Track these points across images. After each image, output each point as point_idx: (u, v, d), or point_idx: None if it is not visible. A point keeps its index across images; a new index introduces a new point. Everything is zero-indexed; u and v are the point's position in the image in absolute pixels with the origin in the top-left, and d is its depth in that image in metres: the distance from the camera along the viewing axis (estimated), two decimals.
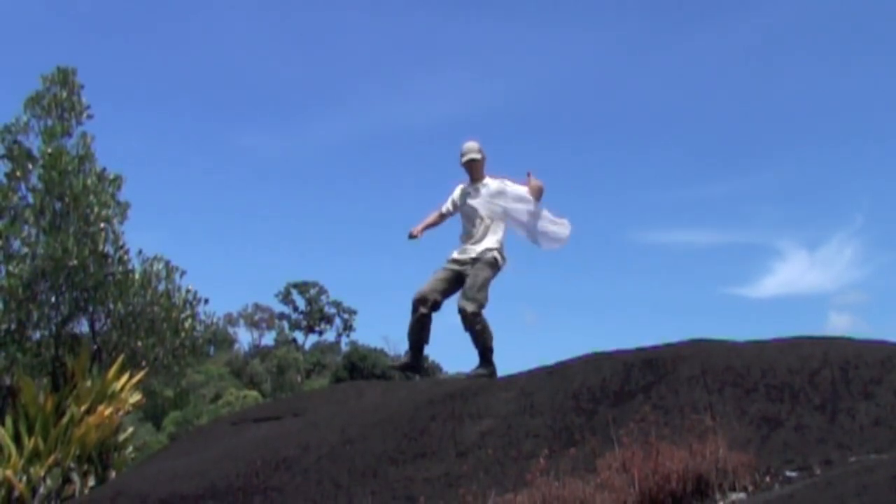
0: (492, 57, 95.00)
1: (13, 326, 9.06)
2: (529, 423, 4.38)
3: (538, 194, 6.14)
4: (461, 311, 5.78)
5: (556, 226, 6.20)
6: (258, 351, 51.22)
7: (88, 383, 8.56)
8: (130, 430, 9.78)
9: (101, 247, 9.39)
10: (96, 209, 9.40)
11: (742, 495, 3.33)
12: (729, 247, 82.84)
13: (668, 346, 4.84)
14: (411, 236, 6.32)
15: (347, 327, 55.60)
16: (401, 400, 5.04)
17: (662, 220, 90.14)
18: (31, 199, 9.52)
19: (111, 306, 9.56)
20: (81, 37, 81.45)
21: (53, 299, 9.35)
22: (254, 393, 38.26)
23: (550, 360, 5.06)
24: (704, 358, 4.46)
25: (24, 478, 7.67)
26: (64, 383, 8.94)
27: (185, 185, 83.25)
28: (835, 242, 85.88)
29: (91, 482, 8.05)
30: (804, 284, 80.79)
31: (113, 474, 8.11)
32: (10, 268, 9.01)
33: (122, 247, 9.73)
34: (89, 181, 9.50)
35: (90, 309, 9.53)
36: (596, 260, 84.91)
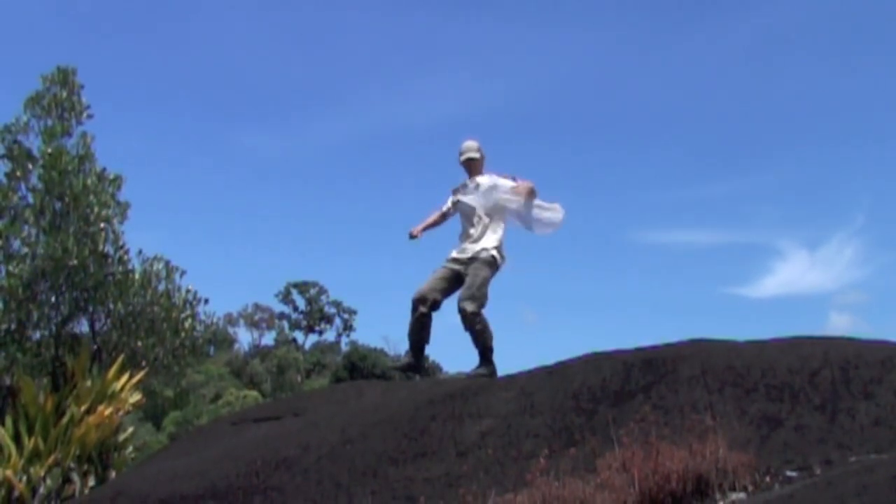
0: (492, 57, 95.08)
1: (13, 326, 9.06)
2: (529, 423, 4.37)
3: (531, 196, 6.09)
4: (461, 311, 5.77)
5: (548, 211, 6.17)
6: (258, 351, 51.23)
7: (88, 383, 8.56)
8: (130, 430, 9.77)
9: (101, 247, 9.39)
10: (96, 209, 9.39)
11: (742, 495, 3.33)
12: (729, 247, 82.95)
13: (668, 346, 4.83)
14: (411, 236, 6.34)
15: (347, 327, 55.66)
16: (401, 400, 5.04)
17: (662, 220, 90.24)
18: (31, 199, 9.51)
19: (111, 306, 9.56)
20: (81, 37, 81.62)
21: (53, 299, 9.35)
22: (254, 393, 38.28)
23: (550, 360, 5.07)
24: (704, 358, 4.45)
25: (24, 478, 7.67)
26: (64, 383, 8.94)
27: (185, 185, 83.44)
28: (835, 242, 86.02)
29: (91, 482, 8.05)
30: (804, 284, 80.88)
31: (113, 474, 8.11)
32: (10, 268, 9.01)
33: (122, 247, 9.72)
34: (89, 181, 9.50)
35: (90, 309, 9.52)
36: (596, 260, 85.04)
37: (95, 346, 9.47)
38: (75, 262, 9.05)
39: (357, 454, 4.43)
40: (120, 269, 9.61)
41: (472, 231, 6.09)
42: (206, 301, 10.30)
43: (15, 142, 9.72)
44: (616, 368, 4.56)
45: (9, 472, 7.55)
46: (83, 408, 8.26)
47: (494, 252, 5.99)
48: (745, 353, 4.45)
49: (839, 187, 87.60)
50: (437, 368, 42.64)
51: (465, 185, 6.29)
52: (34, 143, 9.81)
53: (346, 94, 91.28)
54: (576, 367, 4.74)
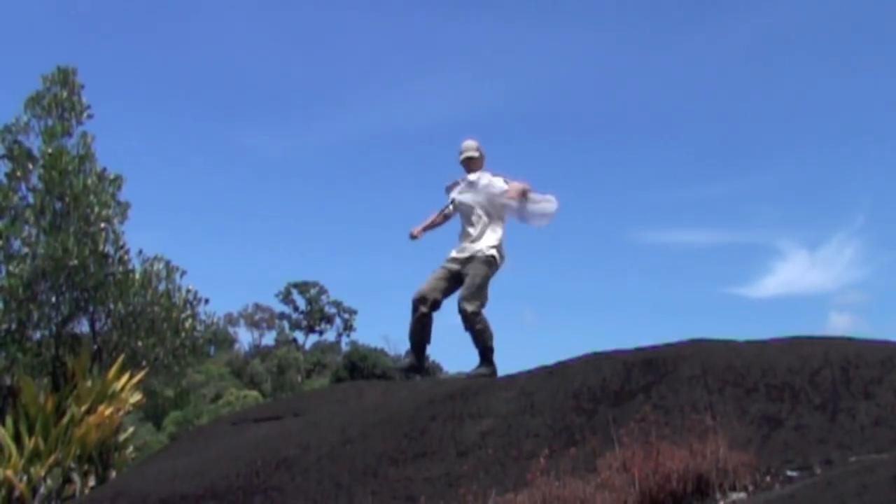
0: (492, 57, 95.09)
1: (13, 326, 9.06)
2: (530, 423, 4.37)
3: (523, 197, 6.05)
4: (461, 311, 5.78)
5: (542, 203, 6.15)
6: (258, 351, 51.26)
7: (89, 383, 8.56)
8: (131, 429, 9.78)
9: (101, 247, 9.39)
10: (96, 209, 9.40)
11: (742, 495, 3.32)
12: (729, 247, 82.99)
13: (668, 346, 4.83)
14: (412, 237, 6.34)
15: (348, 327, 55.68)
16: (401, 400, 5.04)
17: (662, 220, 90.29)
18: (31, 199, 9.52)
19: (111, 306, 9.56)
20: (81, 37, 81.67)
21: (54, 299, 9.35)
22: (254, 393, 38.29)
23: (550, 359, 5.06)
24: (705, 358, 4.45)
25: (25, 478, 7.68)
26: (64, 383, 8.94)
27: (185, 185, 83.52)
28: (835, 242, 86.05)
29: (91, 482, 8.06)
30: (804, 284, 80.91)
31: (113, 474, 8.12)
32: (11, 268, 9.01)
33: (122, 247, 9.73)
34: (89, 181, 9.50)
35: (90, 309, 9.53)
36: (596, 260, 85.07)
37: (96, 346, 9.47)
38: (76, 262, 9.05)
39: (357, 454, 4.43)
40: (120, 269, 9.61)
41: (471, 230, 6.08)
42: (207, 301, 10.32)
43: (15, 142, 9.73)
44: (616, 368, 4.55)
45: (9, 472, 7.55)
46: (83, 408, 8.26)
47: (494, 251, 5.98)
48: (745, 353, 4.45)
49: (839, 187, 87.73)
50: (437, 368, 42.64)
51: (457, 183, 6.28)
52: (34, 143, 9.84)
53: (346, 94, 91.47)
54: (576, 367, 4.73)
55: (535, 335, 69.10)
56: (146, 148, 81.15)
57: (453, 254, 6.08)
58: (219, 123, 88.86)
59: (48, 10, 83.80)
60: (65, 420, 8.10)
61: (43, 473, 7.73)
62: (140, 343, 9.60)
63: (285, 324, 55.18)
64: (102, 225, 9.44)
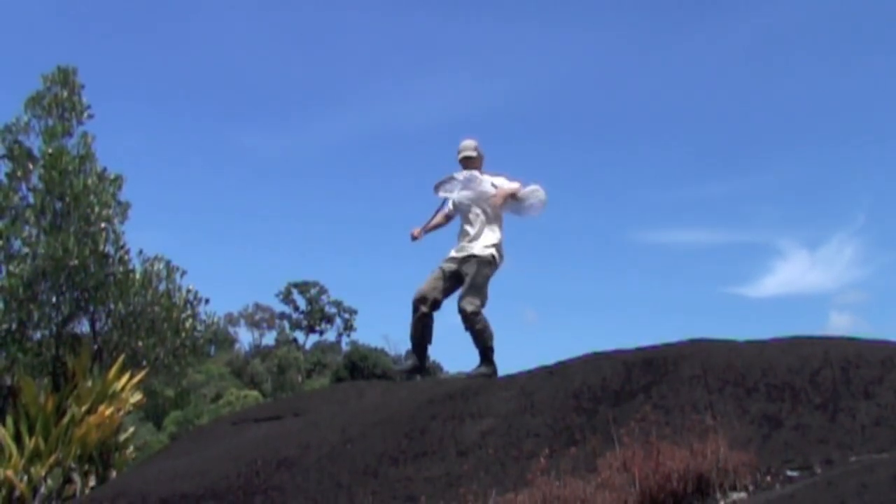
0: (492, 57, 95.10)
1: (14, 326, 9.06)
2: (530, 423, 4.37)
3: (512, 199, 6.04)
4: (461, 311, 5.77)
5: (531, 198, 6.14)
6: (259, 351, 51.28)
7: (89, 383, 8.56)
8: (131, 429, 9.78)
9: (101, 247, 9.39)
10: (97, 209, 9.40)
11: (743, 495, 3.33)
12: (729, 247, 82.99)
13: (669, 345, 4.83)
14: (413, 238, 6.34)
15: (348, 327, 55.69)
16: (401, 399, 5.04)
17: (662, 220, 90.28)
18: (31, 199, 9.51)
19: (112, 306, 9.56)
20: (81, 37, 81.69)
21: (54, 299, 9.35)
22: (254, 393, 38.29)
23: (550, 359, 5.06)
24: (705, 357, 4.45)
25: (25, 478, 7.68)
26: (65, 383, 8.94)
27: (185, 185, 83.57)
28: (835, 242, 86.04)
29: (92, 482, 8.06)
30: (805, 284, 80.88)
31: (114, 474, 8.12)
32: (11, 268, 9.01)
33: (122, 247, 9.73)
34: (90, 181, 9.50)
35: (91, 309, 9.52)
36: (596, 260, 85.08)
37: (96, 346, 9.47)
38: (76, 262, 9.05)
39: (357, 454, 4.43)
40: (120, 269, 9.61)
41: (469, 230, 6.07)
42: (207, 301, 10.32)
43: (15, 142, 9.72)
44: (616, 368, 4.55)
45: (9, 472, 7.56)
46: (84, 408, 8.26)
47: (493, 251, 5.98)
48: (745, 353, 4.45)
49: (839, 187, 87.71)
50: (437, 368, 42.64)
51: (446, 180, 6.23)
52: (35, 143, 9.83)
53: (346, 94, 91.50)
54: (576, 367, 4.73)
55: (535, 335, 69.16)
56: (146, 148, 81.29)
57: (452, 253, 6.07)
58: (219, 123, 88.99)
59: (48, 10, 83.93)
60: (65, 420, 8.11)
61: (43, 473, 7.73)
62: (140, 343, 9.60)
63: (285, 324, 55.24)
64: (103, 225, 9.44)
